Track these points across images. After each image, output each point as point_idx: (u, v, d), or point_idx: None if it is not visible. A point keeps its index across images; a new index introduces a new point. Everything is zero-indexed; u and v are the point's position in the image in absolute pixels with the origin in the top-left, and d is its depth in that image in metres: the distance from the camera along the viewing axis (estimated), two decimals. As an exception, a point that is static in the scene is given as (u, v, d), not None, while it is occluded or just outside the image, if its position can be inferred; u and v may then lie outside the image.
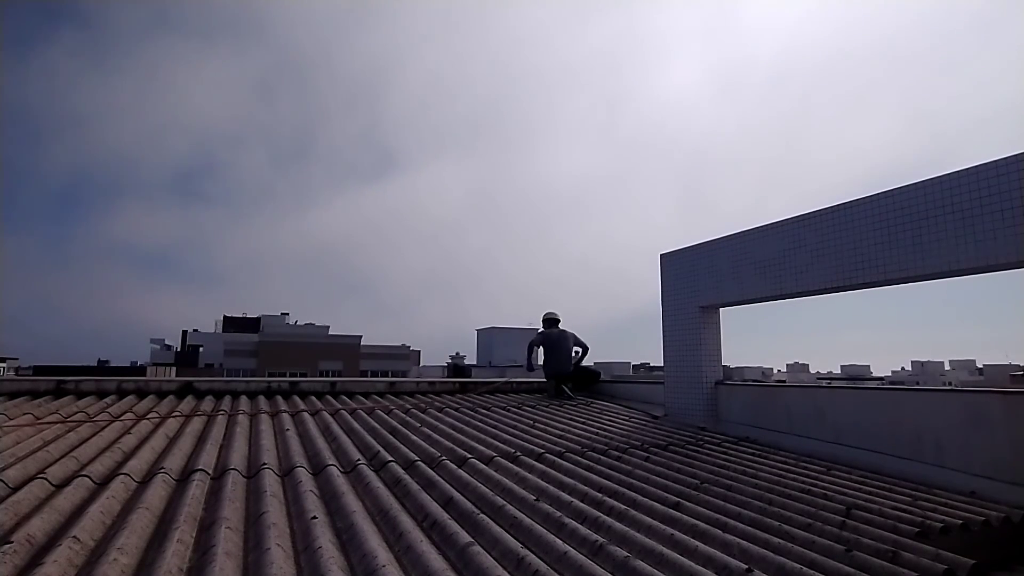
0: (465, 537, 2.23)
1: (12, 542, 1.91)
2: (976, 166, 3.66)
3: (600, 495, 3.02)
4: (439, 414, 5.52)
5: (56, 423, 4.04)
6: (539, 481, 3.23)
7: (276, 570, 1.85)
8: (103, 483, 2.69)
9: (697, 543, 2.38)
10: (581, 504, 2.82)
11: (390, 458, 3.43)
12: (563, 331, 8.00)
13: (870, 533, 2.70)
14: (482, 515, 2.51)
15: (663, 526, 2.57)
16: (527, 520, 2.49)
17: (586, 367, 8.16)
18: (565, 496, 2.93)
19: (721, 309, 5.96)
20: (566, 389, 7.64)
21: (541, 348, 8.02)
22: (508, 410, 6.10)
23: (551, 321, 8.10)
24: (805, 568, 2.20)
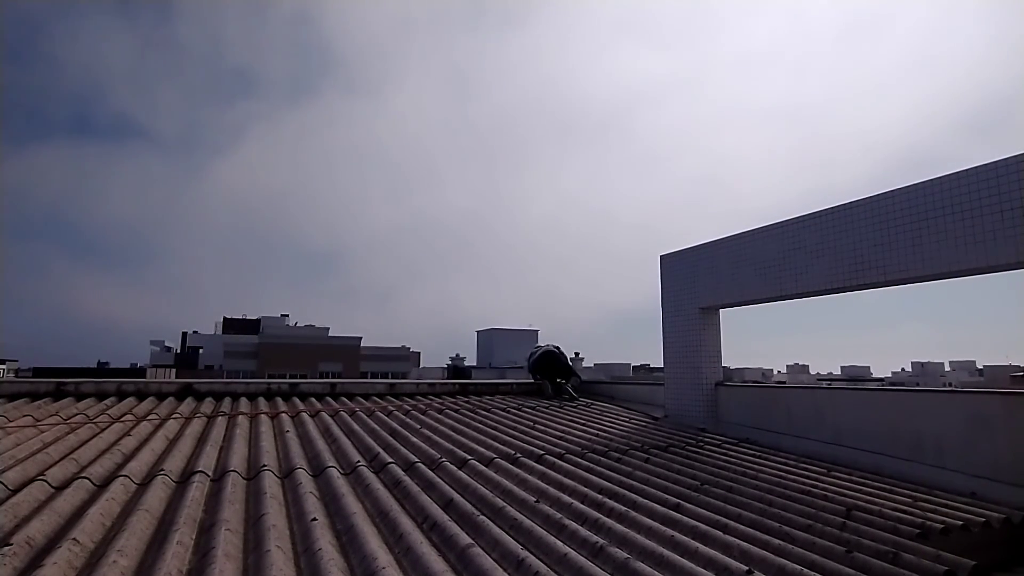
0: (465, 539, 2.23)
1: (12, 544, 1.91)
2: (976, 167, 3.67)
3: (600, 497, 3.02)
4: (439, 415, 5.51)
5: (56, 425, 4.04)
6: (539, 483, 3.22)
7: (276, 572, 1.85)
8: (103, 485, 2.69)
9: (698, 545, 2.37)
10: (581, 506, 2.82)
11: (390, 460, 3.43)
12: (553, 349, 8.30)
13: (871, 534, 2.70)
14: (482, 517, 2.51)
15: (663, 528, 2.57)
16: (527, 522, 2.49)
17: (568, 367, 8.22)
18: (565, 498, 2.93)
19: (721, 310, 5.96)
20: (569, 389, 7.65)
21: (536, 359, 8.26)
22: (508, 411, 6.09)
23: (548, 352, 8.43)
24: (806, 570, 2.19)
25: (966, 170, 3.72)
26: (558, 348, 8.26)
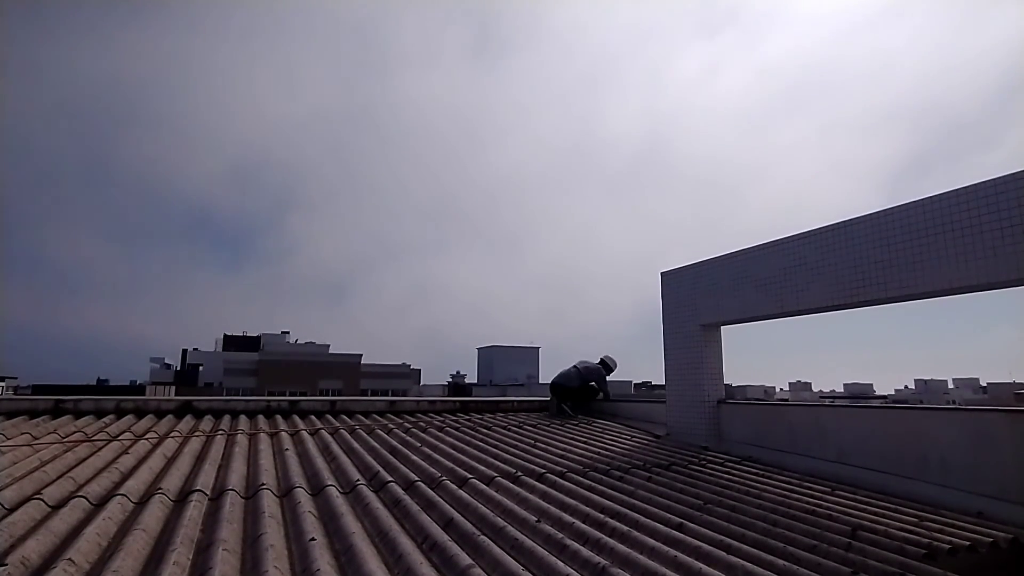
0: (465, 559, 2.20)
1: (7, 565, 1.89)
2: (975, 184, 3.69)
3: (602, 516, 2.99)
4: (439, 433, 5.47)
5: (53, 443, 4.01)
6: (540, 502, 3.19)
7: (273, 593, 1.82)
8: (100, 504, 2.66)
9: (701, 565, 2.34)
10: (583, 525, 2.79)
11: (390, 478, 3.40)
12: (595, 368, 8.04)
13: (876, 555, 2.66)
14: (483, 537, 2.48)
15: (666, 548, 2.54)
16: (528, 542, 2.46)
17: (588, 386, 8.12)
18: (567, 517, 2.90)
19: (722, 327, 5.95)
20: (566, 408, 7.60)
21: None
22: (509, 429, 6.05)
23: (604, 363, 8.16)
24: (811, 591, 2.16)
25: (965, 187, 3.74)
26: (597, 372, 7.96)
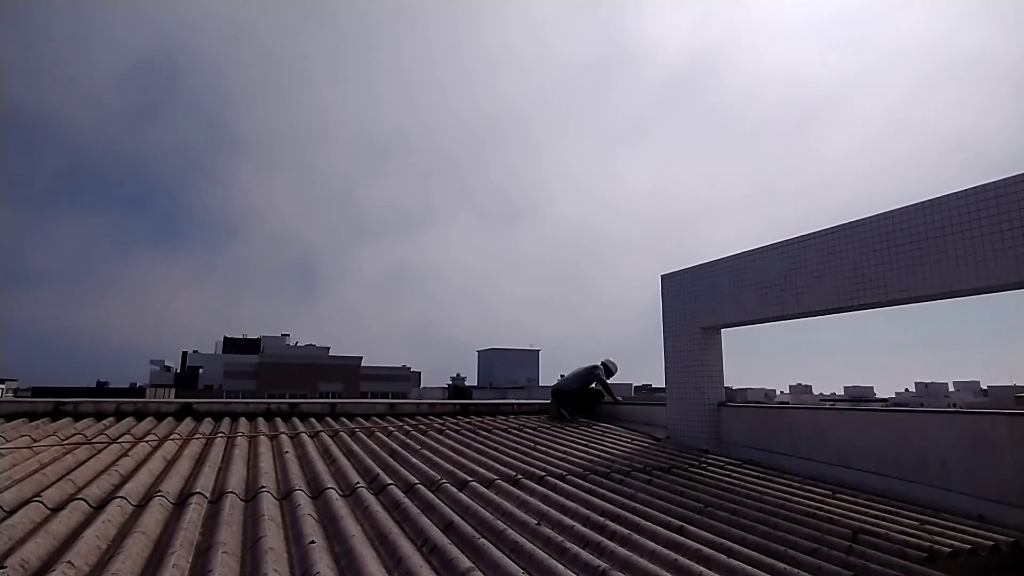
0: (466, 562, 2.20)
1: (6, 567, 1.89)
2: (975, 187, 3.69)
3: (602, 519, 2.98)
4: (439, 436, 5.47)
5: (53, 445, 4.01)
6: (540, 505, 3.18)
7: (273, 596, 1.82)
8: (99, 507, 2.66)
9: (702, 568, 2.34)
10: (583, 528, 2.78)
11: (390, 481, 3.40)
12: (593, 370, 7.96)
13: (877, 558, 2.66)
14: (483, 539, 2.47)
15: (667, 551, 2.53)
16: (528, 545, 2.45)
17: (590, 389, 8.10)
18: (567, 520, 2.89)
19: (723, 330, 5.94)
20: (565, 412, 7.59)
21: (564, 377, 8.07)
22: (509, 432, 6.05)
23: (604, 366, 8.06)
24: (812, 594, 2.15)
25: (966, 190, 3.74)
26: (600, 373, 7.88)
